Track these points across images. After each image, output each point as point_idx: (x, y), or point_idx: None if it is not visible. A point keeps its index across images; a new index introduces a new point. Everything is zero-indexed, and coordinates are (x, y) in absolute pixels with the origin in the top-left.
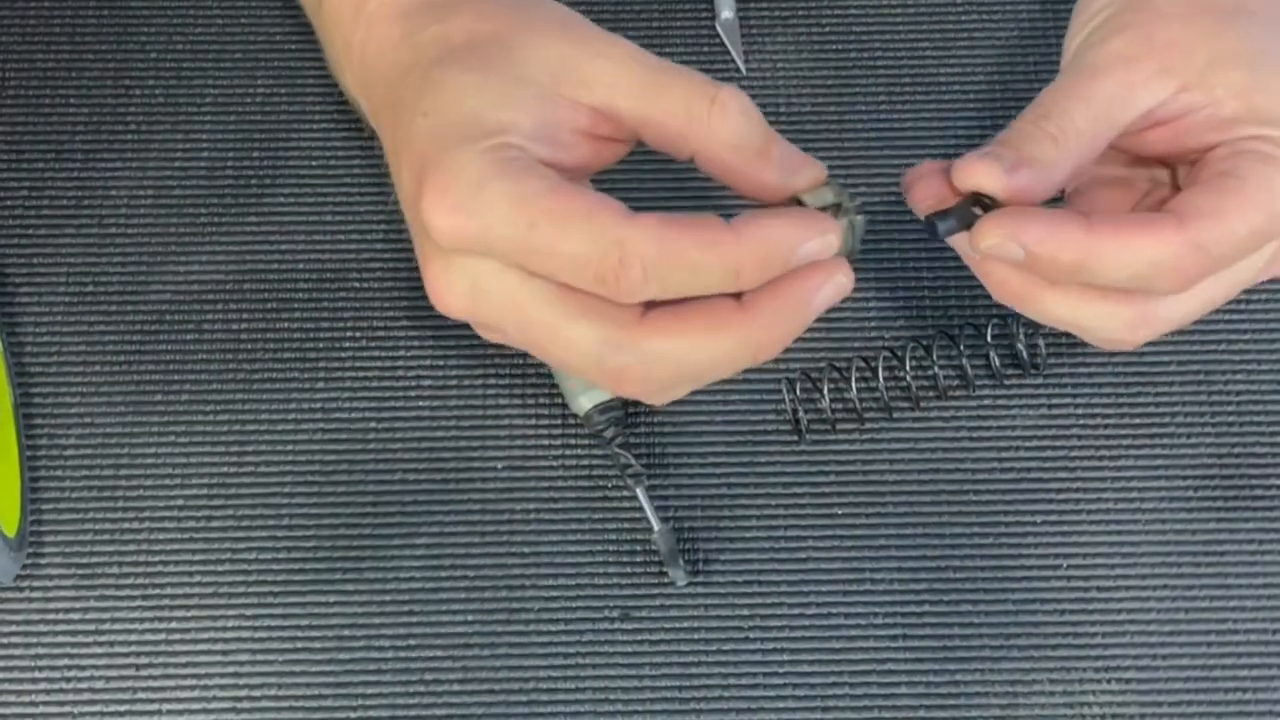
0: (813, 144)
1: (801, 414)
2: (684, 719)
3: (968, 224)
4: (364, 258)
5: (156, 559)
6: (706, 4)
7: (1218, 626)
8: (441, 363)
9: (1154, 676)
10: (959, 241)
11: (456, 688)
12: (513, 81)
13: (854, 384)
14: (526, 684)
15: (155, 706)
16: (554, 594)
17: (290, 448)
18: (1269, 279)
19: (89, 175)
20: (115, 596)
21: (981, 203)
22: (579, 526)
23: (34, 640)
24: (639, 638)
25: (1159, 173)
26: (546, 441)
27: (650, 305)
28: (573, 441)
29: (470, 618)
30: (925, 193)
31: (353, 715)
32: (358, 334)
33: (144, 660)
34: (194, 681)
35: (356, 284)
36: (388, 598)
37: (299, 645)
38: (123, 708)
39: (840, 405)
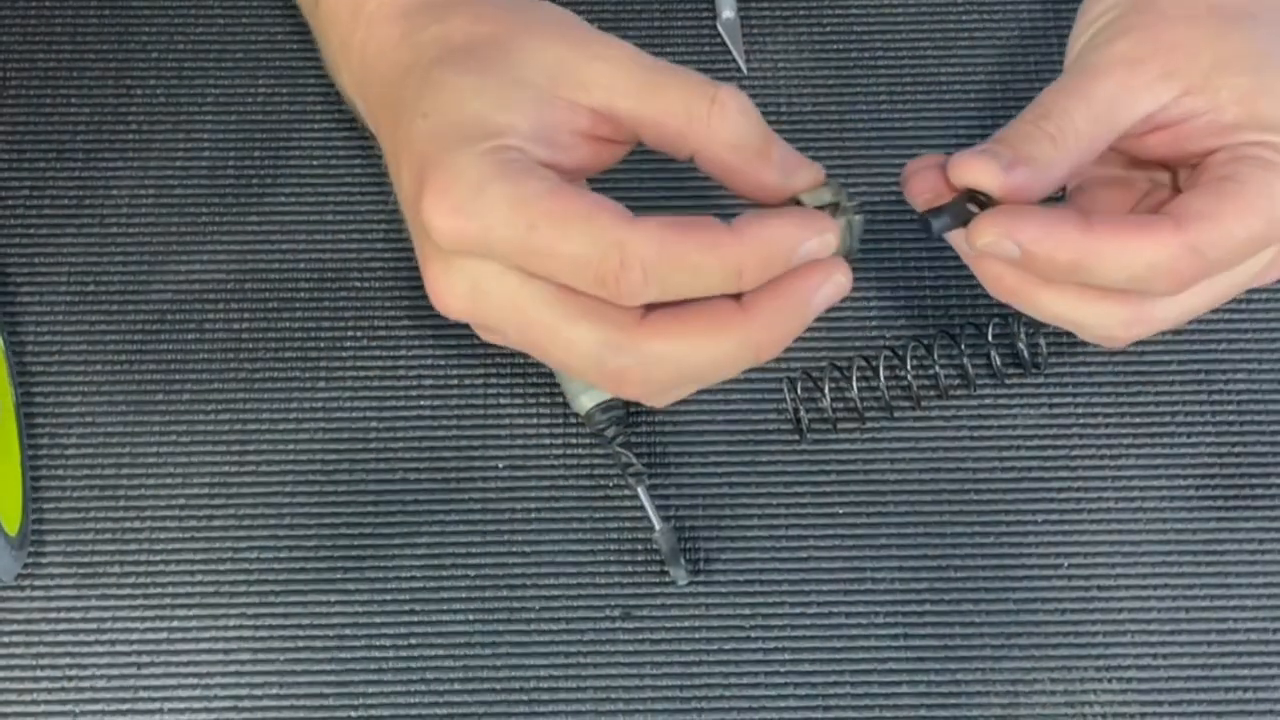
0: (814, 143)
1: (803, 413)
2: (685, 718)
3: (964, 221)
4: (365, 257)
5: (158, 558)
6: (707, 3)
7: (1218, 626)
8: (443, 362)
9: (1155, 676)
10: (956, 237)
11: (457, 687)
12: (511, 84)
13: (855, 383)
14: (527, 684)
15: (156, 706)
16: (555, 593)
17: (291, 447)
18: (1269, 282)
19: (90, 175)
20: (117, 596)
21: (977, 199)
22: (580, 526)
23: (35, 640)
24: (640, 637)
25: (1159, 174)
26: (548, 441)
27: (651, 307)
28: (574, 441)
29: (471, 617)
30: (922, 186)
31: (354, 715)
32: (359, 333)
33: (145, 660)
34: (195, 681)
35: (358, 283)
36: (389, 597)
37: (300, 645)
38: (124, 707)
39: (841, 405)
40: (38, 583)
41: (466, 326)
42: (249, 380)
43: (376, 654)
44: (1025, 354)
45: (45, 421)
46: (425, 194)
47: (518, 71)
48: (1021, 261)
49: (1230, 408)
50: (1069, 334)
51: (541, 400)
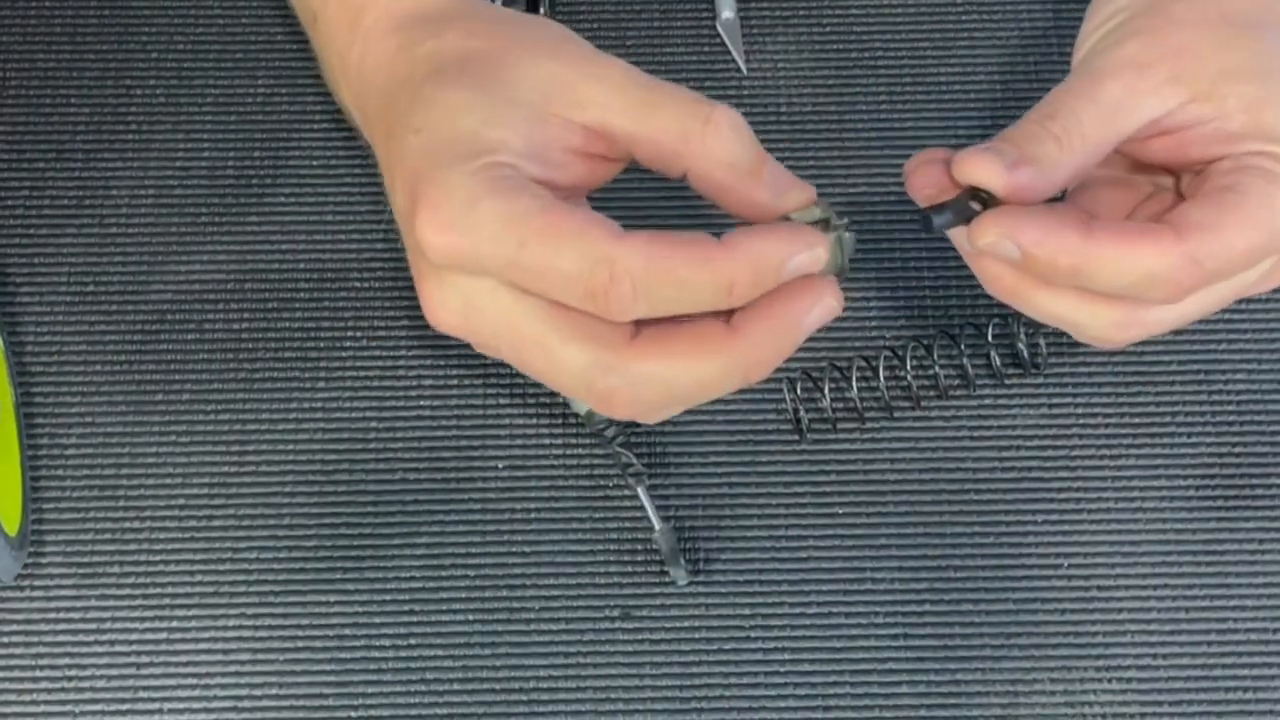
0: (814, 143)
1: (802, 413)
2: (685, 718)
3: (965, 218)
4: (365, 257)
5: (157, 558)
6: (707, 4)
7: (1218, 626)
8: (442, 362)
9: (1155, 676)
10: (957, 235)
11: (457, 687)
12: (504, 102)
13: (855, 383)
14: (527, 683)
15: (156, 706)
16: (555, 593)
17: (291, 447)
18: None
19: (90, 175)
20: (116, 596)
21: (980, 197)
22: (580, 526)
23: (35, 640)
24: (640, 637)
25: (1162, 178)
26: (547, 441)
27: (644, 327)
28: (573, 441)
29: (471, 617)
30: (925, 182)
31: (353, 715)
32: (358, 334)
33: (145, 660)
34: (195, 681)
35: (357, 284)
36: (388, 597)
37: (300, 645)
38: (124, 707)
39: (841, 405)
40: (37, 583)
41: None
42: (249, 380)
43: (376, 654)
44: (1025, 354)
45: (45, 421)
46: (418, 210)
47: (511, 88)
48: (1021, 263)
49: (1230, 408)
50: (1069, 334)
51: (541, 400)
